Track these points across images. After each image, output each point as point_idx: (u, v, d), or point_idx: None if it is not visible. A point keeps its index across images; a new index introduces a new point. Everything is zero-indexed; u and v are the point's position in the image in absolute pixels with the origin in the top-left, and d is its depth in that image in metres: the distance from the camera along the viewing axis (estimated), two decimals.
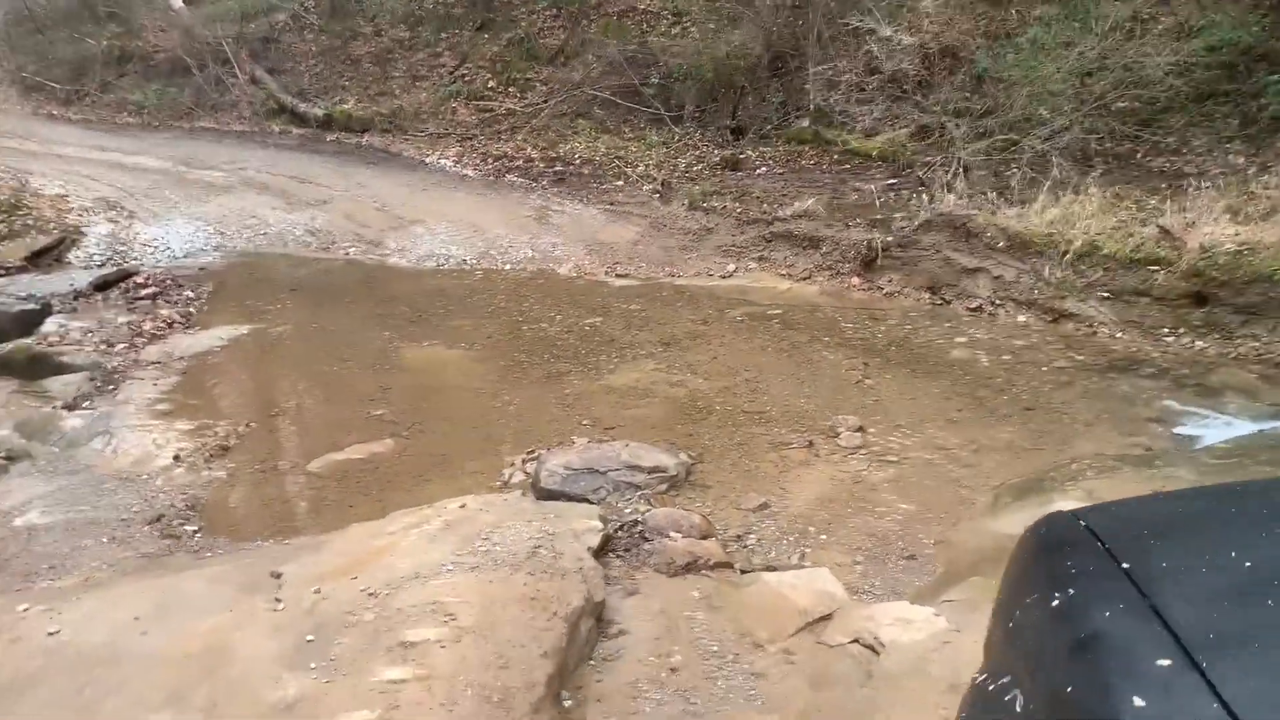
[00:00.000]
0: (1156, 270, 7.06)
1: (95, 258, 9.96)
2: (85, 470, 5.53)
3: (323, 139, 15.49)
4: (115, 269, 9.52)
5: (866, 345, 7.26)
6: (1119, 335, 7.10)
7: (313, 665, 3.15)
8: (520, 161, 13.06)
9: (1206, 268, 6.76)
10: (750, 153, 11.77)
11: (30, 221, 10.60)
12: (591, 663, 3.48)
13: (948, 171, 9.42)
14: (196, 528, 4.91)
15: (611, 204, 11.25)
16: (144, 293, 8.92)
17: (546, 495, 4.83)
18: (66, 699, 3.09)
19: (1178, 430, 5.63)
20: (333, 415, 6.25)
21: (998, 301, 7.90)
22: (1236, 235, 6.77)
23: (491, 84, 15.07)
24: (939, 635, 3.42)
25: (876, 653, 3.44)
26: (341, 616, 3.39)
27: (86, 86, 17.82)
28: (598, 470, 4.97)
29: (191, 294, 8.98)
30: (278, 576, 3.80)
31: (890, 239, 8.64)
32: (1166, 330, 6.94)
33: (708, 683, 3.35)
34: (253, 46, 17.40)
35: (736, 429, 5.84)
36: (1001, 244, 8.04)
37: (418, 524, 4.12)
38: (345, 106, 15.75)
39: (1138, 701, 1.29)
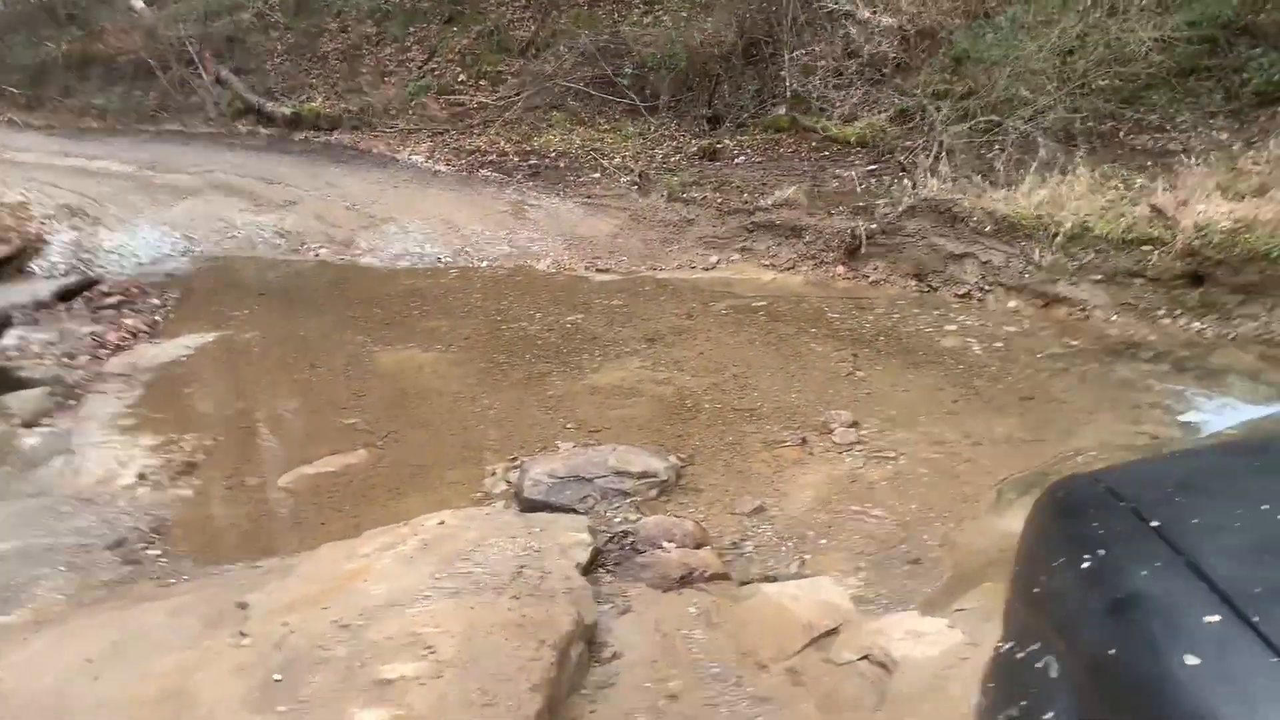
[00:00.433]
0: (1150, 250, 6.87)
1: (58, 266, 9.60)
2: (44, 492, 5.24)
3: (291, 138, 15.15)
4: (78, 278, 9.20)
5: (855, 336, 7.05)
6: (1114, 318, 6.90)
7: (281, 708, 2.90)
8: (493, 156, 12.77)
9: (1202, 247, 6.57)
10: (728, 141, 11.52)
11: None
12: (584, 691, 3.24)
13: (929, 155, 9.21)
14: (160, 552, 4.64)
15: (589, 197, 10.98)
16: (108, 302, 8.61)
17: (531, 506, 4.59)
18: None
19: (1183, 417, 5.44)
20: (304, 426, 5.99)
21: (987, 287, 7.70)
22: (1231, 213, 6.57)
23: (462, 78, 14.77)
24: (955, 650, 3.20)
25: (889, 671, 3.22)
26: (312, 652, 3.14)
27: (47, 91, 17.38)
28: (584, 478, 4.73)
29: (158, 301, 8.68)
30: (244, 607, 3.55)
31: (874, 226, 8.42)
32: (1163, 312, 6.75)
33: (709, 710, 3.12)
34: (217, 46, 17.02)
35: (727, 428, 5.61)
36: (989, 228, 7.83)
37: (393, 544, 3.87)
38: (313, 104, 15.41)
39: (1190, 660, 1.27)
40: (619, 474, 4.76)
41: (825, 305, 7.75)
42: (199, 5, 17.67)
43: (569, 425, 5.72)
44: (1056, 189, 7.77)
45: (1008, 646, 1.80)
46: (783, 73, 11.58)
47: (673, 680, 3.27)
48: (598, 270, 9.15)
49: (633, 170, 11.28)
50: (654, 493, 4.74)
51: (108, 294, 8.76)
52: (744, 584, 3.93)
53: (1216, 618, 1.32)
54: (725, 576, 3.95)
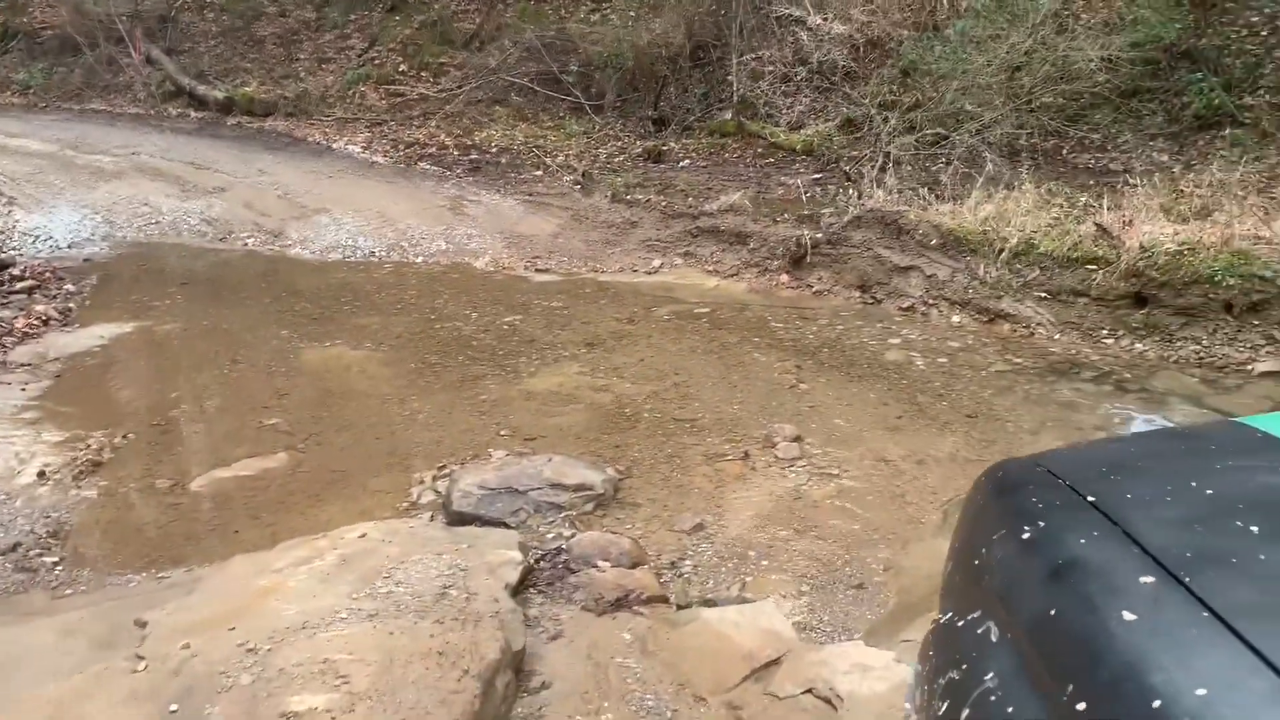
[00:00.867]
0: (1095, 270, 6.83)
1: None
2: None
3: (223, 123, 14.71)
4: None
5: (798, 346, 6.91)
6: (1057, 337, 6.86)
7: None
8: (433, 149, 12.48)
9: (1146, 268, 6.54)
10: (673, 144, 11.37)
11: None
12: None
13: (875, 166, 9.14)
14: (58, 559, 4.31)
15: (530, 195, 10.74)
16: (19, 286, 8.17)
17: (459, 519, 4.34)
18: None
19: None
20: (221, 425, 5.66)
21: (931, 301, 7.62)
22: (1176, 235, 6.56)
23: (403, 68, 14.44)
24: (902, 686, 3.04)
25: (834, 707, 3.05)
26: (214, 679, 2.87)
27: None
28: (517, 489, 4.50)
29: (73, 288, 8.26)
30: (142, 625, 3.27)
31: (819, 235, 8.30)
32: (1106, 332, 6.72)
33: None
34: (148, 25, 16.49)
35: (667, 439, 5.41)
36: (934, 241, 7.76)
37: (309, 559, 3.61)
38: (247, 89, 14.97)
39: (1128, 615, 1.37)
40: (554, 486, 4.53)
41: (769, 314, 7.61)
42: None
43: (503, 432, 5.49)
44: (1002, 204, 7.72)
45: (947, 617, 1.88)
46: (730, 77, 11.46)
47: (605, 714, 3.06)
48: (537, 270, 8.92)
49: (576, 169, 11.07)
50: (590, 507, 4.52)
51: (19, 278, 8.31)
52: (682, 608, 3.73)
53: (1151, 579, 1.42)
54: (663, 599, 3.75)
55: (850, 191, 9.07)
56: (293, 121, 14.18)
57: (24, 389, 6.16)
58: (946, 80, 9.64)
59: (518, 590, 3.62)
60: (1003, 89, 9.34)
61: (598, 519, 4.48)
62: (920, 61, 10.08)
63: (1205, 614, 1.33)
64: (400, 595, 3.30)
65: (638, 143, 11.60)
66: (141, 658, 3.04)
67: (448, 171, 11.75)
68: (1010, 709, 1.53)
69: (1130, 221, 6.93)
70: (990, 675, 1.61)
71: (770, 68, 11.47)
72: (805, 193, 9.30)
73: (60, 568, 4.25)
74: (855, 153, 9.84)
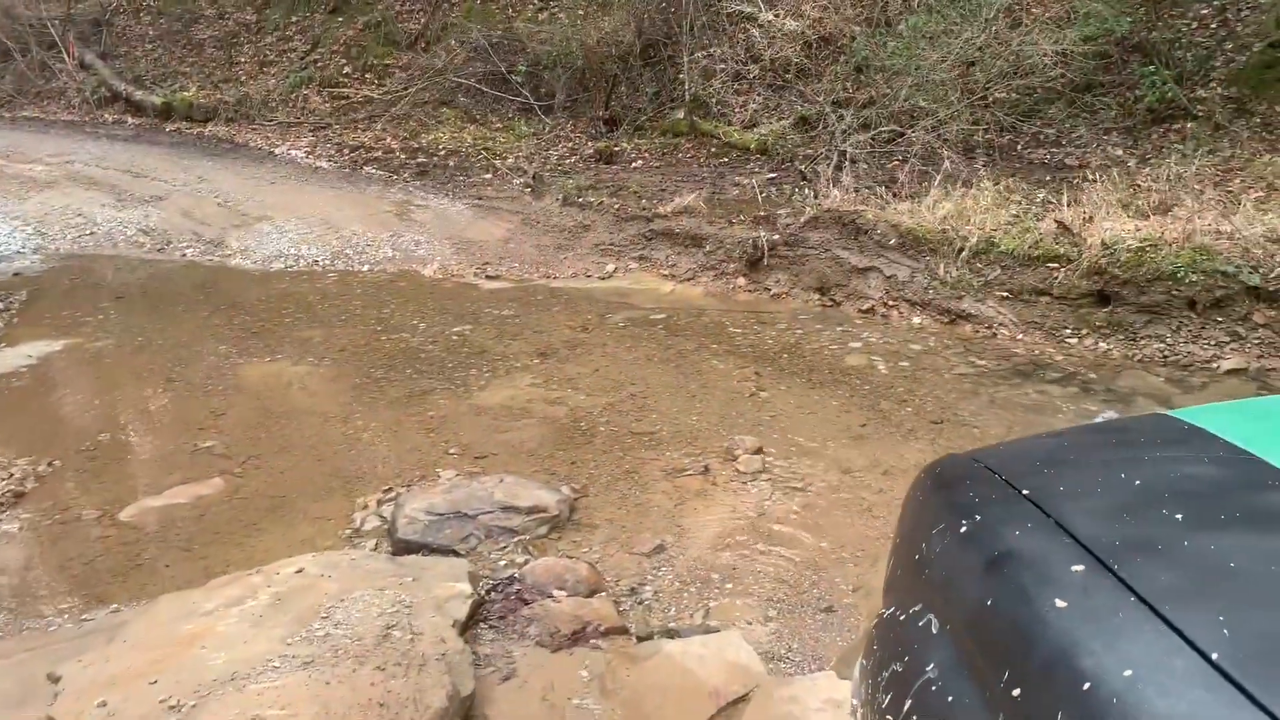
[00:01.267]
0: (1056, 268, 6.72)
1: None
2: None
3: (161, 129, 14.30)
4: None
5: (757, 352, 6.72)
6: (1020, 337, 6.73)
7: None
8: (379, 152, 12.18)
9: (1109, 265, 6.44)
10: (625, 145, 11.15)
11: None
12: None
13: (831, 164, 8.99)
14: None
15: (480, 198, 10.48)
16: None
17: (405, 547, 4.09)
18: None
19: None
20: (154, 449, 5.36)
21: (891, 302, 7.48)
22: (1138, 231, 6.46)
23: (347, 70, 14.09)
24: None
25: None
26: None
27: None
28: (466, 514, 4.25)
29: (0, 305, 7.88)
30: (56, 680, 2.99)
31: (776, 237, 8.13)
32: (1069, 331, 6.60)
33: None
34: (82, 29, 16.02)
35: (624, 454, 5.19)
36: (893, 241, 7.62)
37: (241, 598, 3.35)
38: (186, 94, 14.56)
39: (1059, 603, 1.40)
40: (505, 509, 4.29)
41: (726, 319, 7.42)
42: None
43: (452, 451, 5.23)
44: (961, 202, 7.60)
45: (890, 611, 1.93)
46: (682, 75, 11.26)
47: None
48: (487, 277, 8.66)
49: (526, 171, 10.82)
50: (544, 530, 4.29)
51: None
52: (643, 639, 3.50)
53: (1081, 567, 1.46)
54: (622, 630, 3.53)
55: (806, 191, 8.91)
56: (233, 126, 13.80)
57: None
58: (900, 76, 9.52)
59: (467, 626, 3.38)
60: (957, 85, 9.24)
61: (552, 543, 4.25)
62: (873, 58, 9.96)
63: (1132, 599, 1.37)
64: (339, 638, 3.05)
65: (589, 143, 11.37)
66: (53, 719, 2.77)
67: (394, 175, 11.45)
68: (950, 698, 1.56)
69: (1090, 218, 6.83)
70: (931, 666, 1.65)
71: (722, 65, 11.29)
72: (761, 193, 9.13)
73: None
74: (810, 151, 9.69)
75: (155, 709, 2.75)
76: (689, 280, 8.35)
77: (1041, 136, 9.50)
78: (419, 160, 11.73)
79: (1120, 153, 8.99)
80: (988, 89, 9.15)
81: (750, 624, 3.64)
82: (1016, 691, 1.38)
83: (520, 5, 13.91)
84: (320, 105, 13.70)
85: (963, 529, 1.72)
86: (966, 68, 9.38)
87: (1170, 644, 1.28)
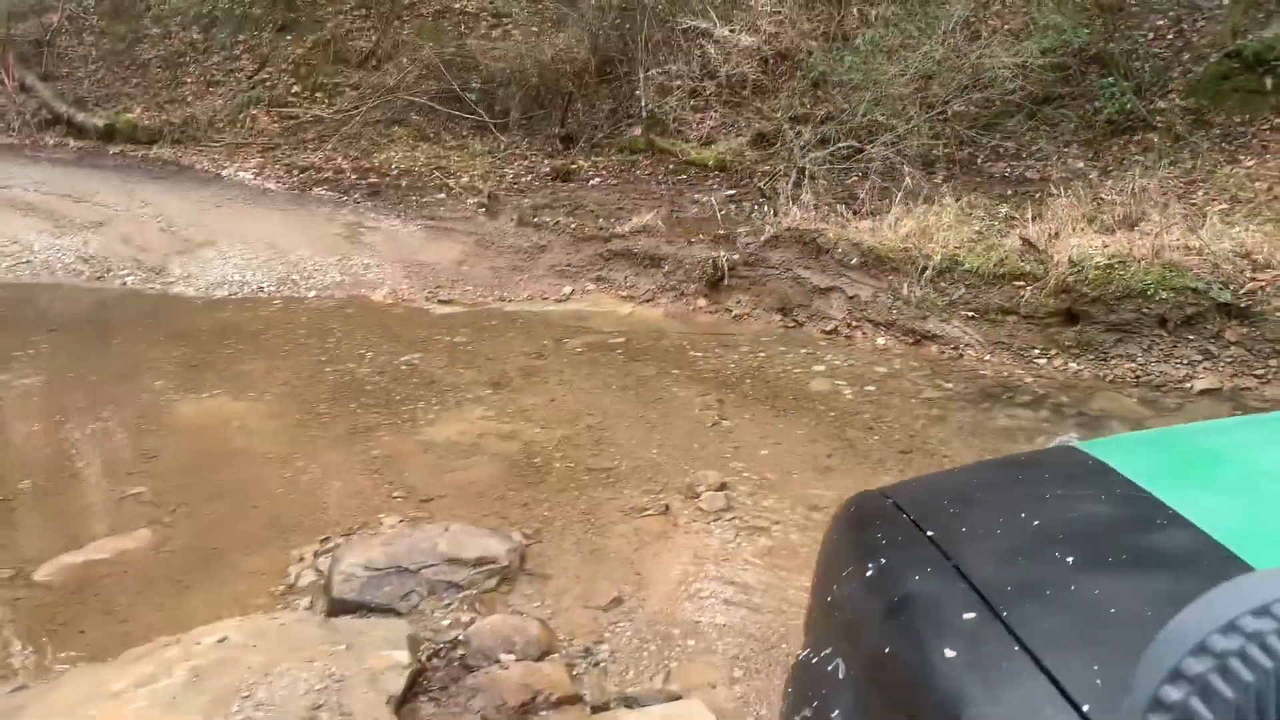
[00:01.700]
0: (1023, 286, 6.55)
1: None
2: None
3: (105, 152, 13.85)
4: None
5: (719, 378, 6.49)
6: (987, 358, 6.54)
7: None
8: (329, 173, 11.83)
9: (1076, 283, 6.27)
10: (582, 163, 10.91)
11: None
12: None
13: (790, 182, 8.79)
14: None
15: (432, 219, 10.18)
16: None
17: (341, 607, 3.79)
18: None
19: None
20: (77, 498, 5.02)
21: (854, 323, 7.27)
22: (1105, 247, 6.30)
23: (296, 89, 13.74)
24: None
25: None
26: None
27: None
28: (407, 569, 3.95)
29: None
30: None
31: (736, 257, 7.92)
32: (1038, 351, 6.42)
33: None
34: (21, 50, 15.51)
35: (580, 492, 4.92)
36: (855, 260, 7.42)
37: (154, 676, 3.05)
38: (130, 116, 14.14)
39: (949, 653, 1.40)
40: (451, 562, 4.00)
41: (687, 342, 7.18)
42: (1, 5, 16.06)
43: (396, 494, 4.94)
44: (924, 219, 7.41)
45: (806, 653, 1.89)
46: (638, 92, 11.05)
47: None
48: (440, 301, 8.37)
49: (480, 191, 10.53)
50: (493, 582, 4.00)
51: None
52: (598, 710, 3.22)
53: (972, 614, 1.45)
54: (576, 699, 3.25)
55: (766, 209, 8.71)
56: (179, 149, 13.40)
57: None
58: (858, 91, 9.36)
59: (405, 700, 3.10)
60: (915, 99, 9.08)
61: (502, 596, 3.97)
62: (831, 73, 9.79)
63: (1016, 648, 1.36)
64: None
65: (545, 162, 11.12)
66: None
67: (344, 196, 11.12)
68: None
69: (1056, 234, 6.68)
70: (837, 713, 1.63)
71: (679, 82, 11.08)
72: (720, 211, 8.92)
73: None
74: (769, 168, 9.49)
75: None
76: (648, 301, 8.11)
77: (1001, 150, 9.37)
78: (370, 180, 11.41)
79: (1081, 165, 8.89)
80: (947, 103, 9.00)
81: (714, 686, 3.38)
82: None
83: (473, 22, 13.66)
84: (269, 125, 13.35)
85: (869, 573, 1.71)
86: (925, 81, 9.24)
87: (1047, 694, 1.27)
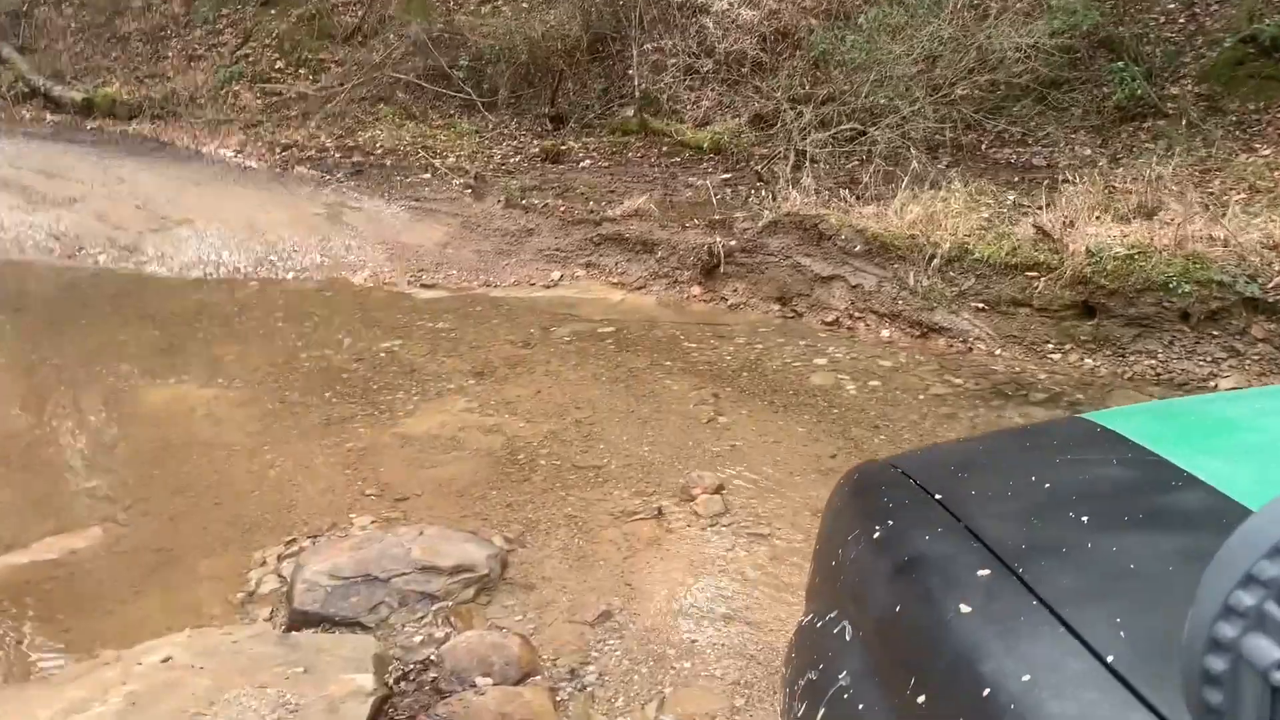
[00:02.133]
0: (1036, 277, 6.22)
1: None
2: None
3: (82, 127, 13.43)
4: None
5: (714, 370, 6.16)
6: (999, 353, 6.22)
7: None
8: (312, 151, 11.43)
9: (1094, 274, 5.94)
10: (572, 143, 10.55)
11: None
12: None
13: (789, 165, 8.45)
14: None
15: (417, 200, 9.82)
16: None
17: (303, 619, 3.46)
18: None
19: None
20: (28, 492, 4.67)
21: (857, 314, 6.95)
22: (1125, 237, 5.98)
23: (279, 65, 13.34)
24: None
25: None
26: None
27: None
28: (377, 578, 3.61)
29: None
30: None
31: (733, 243, 7.58)
32: (1052, 346, 6.10)
33: None
34: None
35: (567, 493, 4.60)
36: (858, 247, 7.09)
37: (86, 702, 2.72)
38: (109, 90, 13.71)
39: (964, 608, 1.38)
40: (424, 570, 3.67)
41: (681, 332, 6.85)
42: None
43: (369, 491, 4.60)
44: (931, 205, 7.08)
45: (809, 618, 1.89)
46: (631, 70, 10.67)
47: None
48: (422, 285, 8.02)
49: (467, 171, 10.16)
50: (471, 593, 3.68)
51: None
52: None
53: (987, 571, 1.44)
54: None
55: (763, 193, 8.36)
56: (159, 124, 12.97)
57: None
58: (861, 72, 9.01)
59: None
60: (920, 80, 8.75)
61: (480, 608, 3.65)
62: (832, 52, 9.43)
63: (1034, 603, 1.35)
64: None
65: (534, 142, 10.75)
66: None
67: (328, 175, 10.74)
68: (861, 706, 1.53)
69: (1071, 222, 6.35)
70: (844, 674, 1.62)
71: (673, 60, 10.71)
72: (715, 195, 8.57)
73: None
74: (767, 151, 9.15)
75: None
76: (640, 289, 7.77)
77: (1007, 135, 9.05)
78: (354, 160, 11.03)
79: (1089, 152, 8.58)
80: (953, 85, 8.66)
81: (714, 718, 3.06)
82: (922, 699, 1.36)
83: None
84: (251, 102, 12.94)
85: (875, 534, 1.70)
86: (930, 62, 8.90)
87: (1068, 646, 1.26)
